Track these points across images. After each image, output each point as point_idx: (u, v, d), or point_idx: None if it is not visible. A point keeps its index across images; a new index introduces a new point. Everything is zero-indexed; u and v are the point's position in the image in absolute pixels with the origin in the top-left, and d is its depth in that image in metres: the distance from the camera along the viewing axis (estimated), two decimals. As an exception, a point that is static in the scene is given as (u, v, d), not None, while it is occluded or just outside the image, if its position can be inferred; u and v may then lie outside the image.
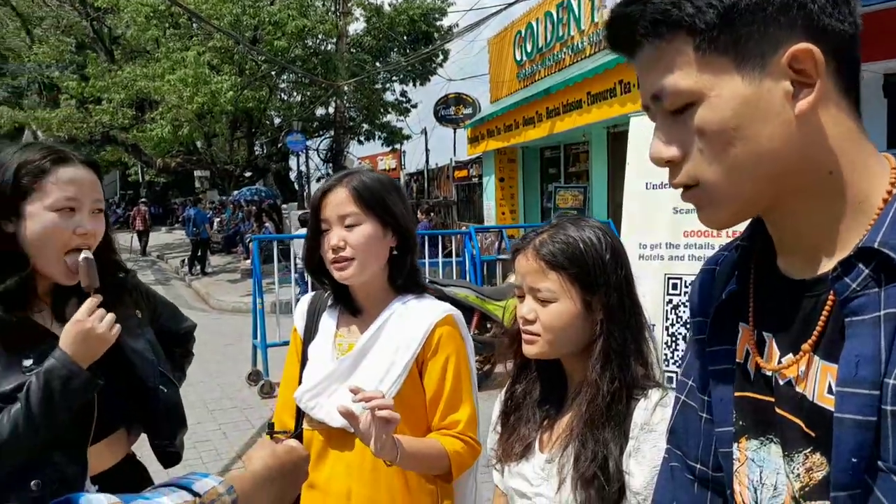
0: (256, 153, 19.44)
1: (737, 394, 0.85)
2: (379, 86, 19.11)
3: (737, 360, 0.86)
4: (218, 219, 20.19)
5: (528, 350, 1.30)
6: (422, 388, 1.56)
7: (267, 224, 16.02)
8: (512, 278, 7.35)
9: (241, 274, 14.83)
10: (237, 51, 14.71)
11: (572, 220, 1.32)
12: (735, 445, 0.84)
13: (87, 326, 1.40)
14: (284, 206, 17.86)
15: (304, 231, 10.20)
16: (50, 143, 1.55)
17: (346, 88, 16.31)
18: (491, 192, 14.70)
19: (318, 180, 22.44)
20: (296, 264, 9.67)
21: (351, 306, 1.66)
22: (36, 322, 1.46)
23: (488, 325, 6.24)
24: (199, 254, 15.80)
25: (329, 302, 1.71)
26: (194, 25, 15.17)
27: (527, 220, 13.77)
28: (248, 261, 16.57)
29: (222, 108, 13.47)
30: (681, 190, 0.77)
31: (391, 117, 19.98)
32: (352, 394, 1.28)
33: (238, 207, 19.61)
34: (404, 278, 1.61)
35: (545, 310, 1.26)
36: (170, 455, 1.67)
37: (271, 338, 6.67)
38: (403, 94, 20.29)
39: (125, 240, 18.41)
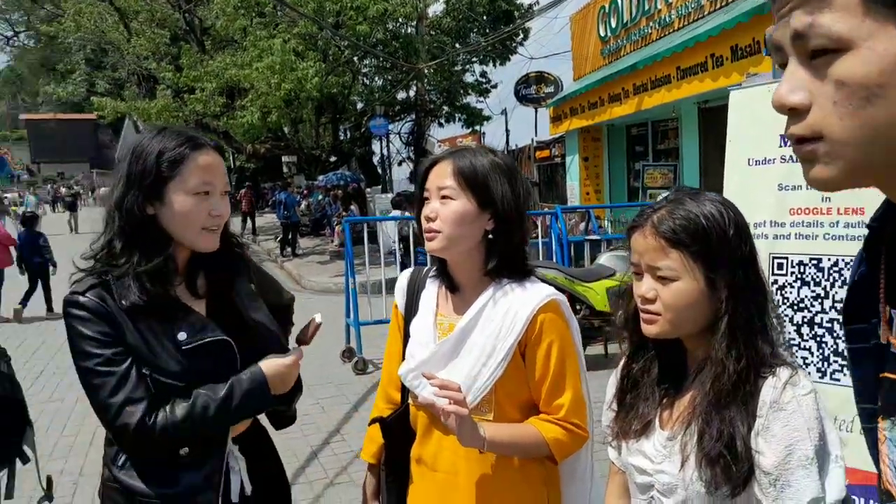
0: (341, 138, 19.83)
1: (881, 374, 0.83)
2: (459, 67, 19.07)
3: (878, 340, 0.83)
4: (305, 202, 20.75)
5: (649, 330, 1.27)
6: (525, 372, 1.56)
7: (352, 207, 16.36)
8: (602, 259, 7.22)
9: (329, 256, 15.22)
10: (321, 37, 15.00)
11: (690, 193, 1.28)
12: (876, 424, 0.83)
13: (292, 371, 1.61)
14: (368, 189, 18.17)
15: (395, 213, 10.34)
16: (182, 129, 1.62)
17: (426, 71, 16.38)
18: (575, 171, 14.44)
19: (400, 164, 22.68)
20: (388, 245, 9.92)
21: (449, 282, 1.66)
22: (178, 297, 1.57)
23: (577, 308, 6.18)
24: (290, 236, 16.30)
25: (430, 276, 1.73)
26: (279, 13, 15.55)
27: (613, 200, 13.47)
28: (336, 243, 17.06)
29: (308, 93, 13.78)
30: (788, 150, 0.72)
31: (471, 99, 19.93)
32: (426, 379, 1.30)
33: (325, 191, 20.11)
34: (497, 263, 1.58)
35: (666, 288, 1.23)
36: (284, 418, 1.79)
37: (363, 316, 6.86)
38: (483, 74, 20.18)
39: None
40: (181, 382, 1.50)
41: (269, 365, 1.58)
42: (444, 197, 1.54)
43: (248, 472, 1.63)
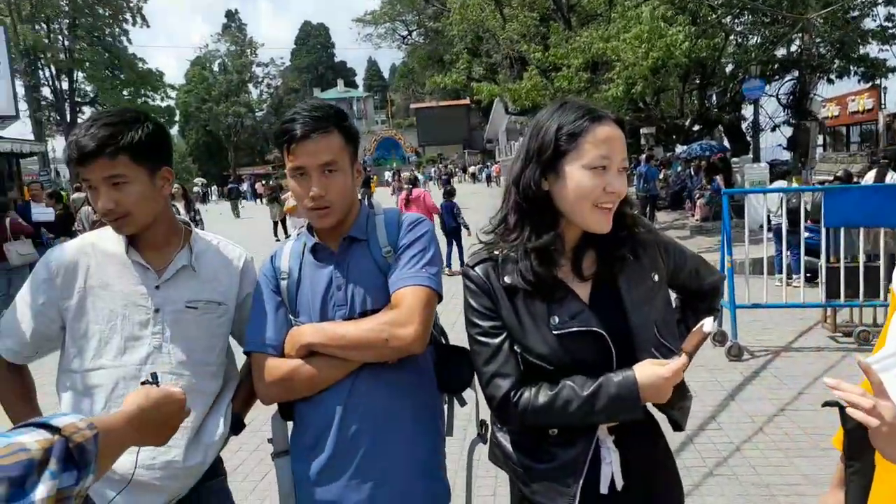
0: (706, 105, 18.61)
1: None
2: (857, 13, 16.22)
3: None
4: (661, 175, 20.09)
5: None
6: None
7: (717, 178, 15.27)
8: None
9: (689, 231, 14.52)
10: (691, -1, 14.15)
11: None
12: None
13: (669, 382, 1.43)
14: (735, 159, 16.75)
15: (780, 184, 9.31)
16: (584, 102, 1.56)
17: (815, 21, 14.28)
18: None
19: (774, 129, 20.37)
20: (756, 220, 9.00)
21: None
22: (561, 279, 1.52)
23: None
24: (648, 210, 15.96)
25: None
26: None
27: None
28: (697, 217, 16.17)
29: (677, 60, 13.15)
30: None
31: (871, 48, 16.82)
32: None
33: (685, 163, 19.17)
34: None
35: None
36: (671, 420, 1.64)
37: (740, 299, 6.32)
38: (890, 18, 16.83)
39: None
40: (550, 366, 1.48)
41: (645, 371, 1.44)
42: None
43: (623, 466, 1.54)
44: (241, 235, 16.39)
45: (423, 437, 1.75)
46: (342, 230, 1.76)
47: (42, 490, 0.78)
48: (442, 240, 11.15)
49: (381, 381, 1.69)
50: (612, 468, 1.54)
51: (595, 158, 1.45)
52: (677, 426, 1.64)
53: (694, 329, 1.44)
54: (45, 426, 0.87)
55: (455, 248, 11.47)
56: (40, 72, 43.66)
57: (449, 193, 11.78)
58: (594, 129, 1.46)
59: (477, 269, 1.58)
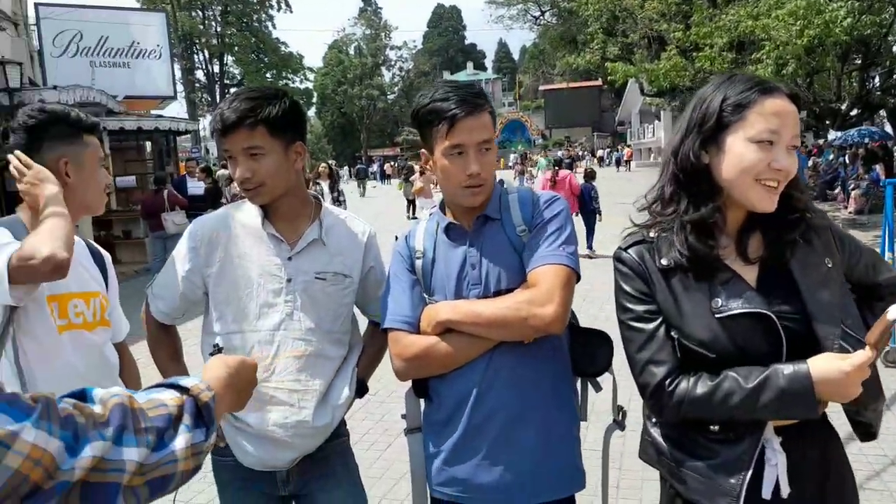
0: (868, 87, 16.96)
1: None
2: None
3: None
4: (810, 163, 18.64)
5: None
6: None
7: (875, 167, 13.95)
8: None
9: (841, 224, 13.35)
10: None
11: None
12: None
13: (851, 378, 1.28)
14: (899, 147, 15.20)
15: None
16: (752, 75, 1.47)
17: None
18: None
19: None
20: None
21: None
22: (723, 259, 1.43)
23: None
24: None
25: None
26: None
27: None
28: (849, 210, 14.87)
29: (836, 38, 12.06)
30: None
31: None
32: None
33: (839, 150, 17.64)
34: None
35: None
36: (860, 428, 1.47)
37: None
38: None
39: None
40: (711, 353, 1.38)
41: (822, 365, 1.30)
42: None
43: (790, 470, 1.40)
44: (372, 213, 16.98)
45: (558, 420, 1.73)
46: (476, 209, 1.75)
47: (180, 441, 0.84)
48: (578, 223, 11.16)
49: (518, 361, 1.67)
50: (777, 472, 1.41)
51: (762, 132, 1.36)
52: (867, 433, 1.47)
53: (878, 319, 1.28)
54: (175, 386, 0.93)
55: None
56: (195, 56, 47.14)
57: (589, 176, 11.90)
58: (763, 100, 1.38)
59: (630, 251, 1.52)
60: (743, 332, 1.38)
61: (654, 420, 1.58)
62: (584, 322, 1.85)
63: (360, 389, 2.00)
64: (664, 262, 1.46)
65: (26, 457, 0.65)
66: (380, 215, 17.62)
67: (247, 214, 1.92)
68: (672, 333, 1.44)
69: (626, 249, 1.53)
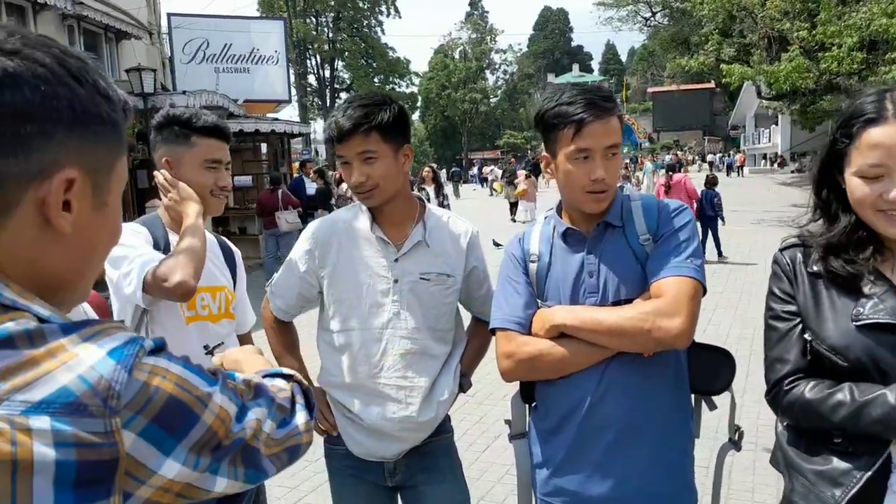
0: None
1: None
2: None
3: None
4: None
5: None
6: None
7: None
8: None
9: None
10: None
11: None
12: None
13: None
14: None
15: None
16: (878, 89, 1.37)
17: None
18: None
19: None
20: None
21: None
22: (878, 268, 1.37)
23: None
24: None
25: None
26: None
27: None
28: None
29: None
30: None
31: None
32: None
33: None
34: None
35: None
36: None
37: None
38: None
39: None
40: (843, 361, 1.33)
41: None
42: None
43: None
44: (467, 216, 17.02)
45: (672, 437, 1.68)
46: (597, 215, 1.73)
47: (300, 417, 0.94)
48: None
49: (635, 373, 1.63)
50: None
51: (864, 169, 1.32)
52: None
53: None
54: (281, 375, 1.03)
55: (710, 237, 11.18)
56: (308, 61, 49.12)
57: (711, 182, 11.73)
58: (864, 134, 1.32)
59: (785, 253, 1.52)
60: (880, 344, 1.30)
61: (783, 424, 1.52)
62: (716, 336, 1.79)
63: (464, 384, 2.08)
64: (815, 267, 1.43)
65: (216, 416, 0.75)
66: (475, 219, 17.67)
67: (357, 218, 2.02)
68: (806, 335, 1.40)
69: (782, 251, 1.52)
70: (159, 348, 0.74)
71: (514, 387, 1.87)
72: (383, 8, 51.87)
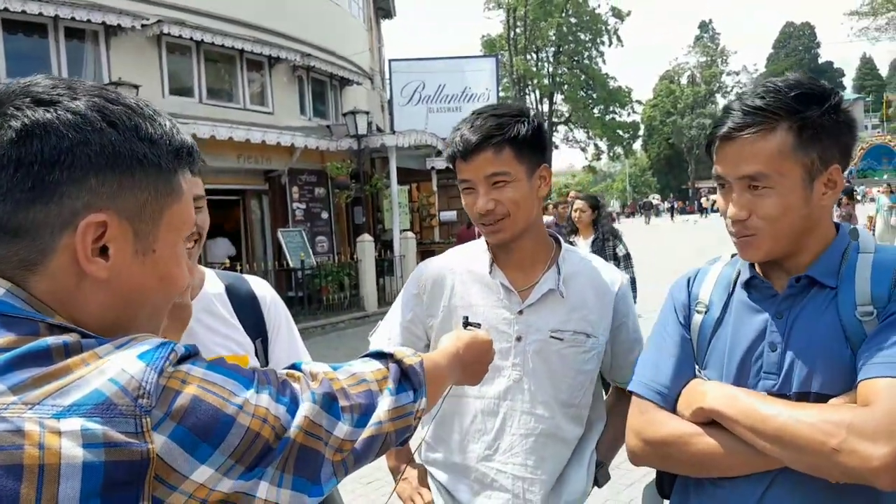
0: None
1: None
2: None
3: None
4: None
5: None
6: None
7: None
8: None
9: None
10: None
11: None
12: None
13: None
14: None
15: None
16: None
17: None
18: None
19: None
20: None
21: None
22: None
23: None
24: None
25: None
26: None
27: None
28: None
29: None
30: None
31: None
32: None
33: None
34: None
35: None
36: None
37: None
38: None
39: None
40: None
41: None
42: None
43: None
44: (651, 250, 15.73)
45: None
46: (794, 264, 1.22)
47: (383, 404, 0.88)
48: None
49: (812, 497, 1.13)
50: None
51: None
52: None
53: None
54: (380, 355, 0.96)
55: None
56: (527, 97, 50.04)
57: None
58: None
59: None
60: None
61: None
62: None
63: (599, 478, 1.67)
64: None
65: (253, 415, 0.72)
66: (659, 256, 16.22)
67: (474, 259, 1.68)
68: None
69: None
70: (191, 354, 0.73)
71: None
72: (605, 38, 51.25)
